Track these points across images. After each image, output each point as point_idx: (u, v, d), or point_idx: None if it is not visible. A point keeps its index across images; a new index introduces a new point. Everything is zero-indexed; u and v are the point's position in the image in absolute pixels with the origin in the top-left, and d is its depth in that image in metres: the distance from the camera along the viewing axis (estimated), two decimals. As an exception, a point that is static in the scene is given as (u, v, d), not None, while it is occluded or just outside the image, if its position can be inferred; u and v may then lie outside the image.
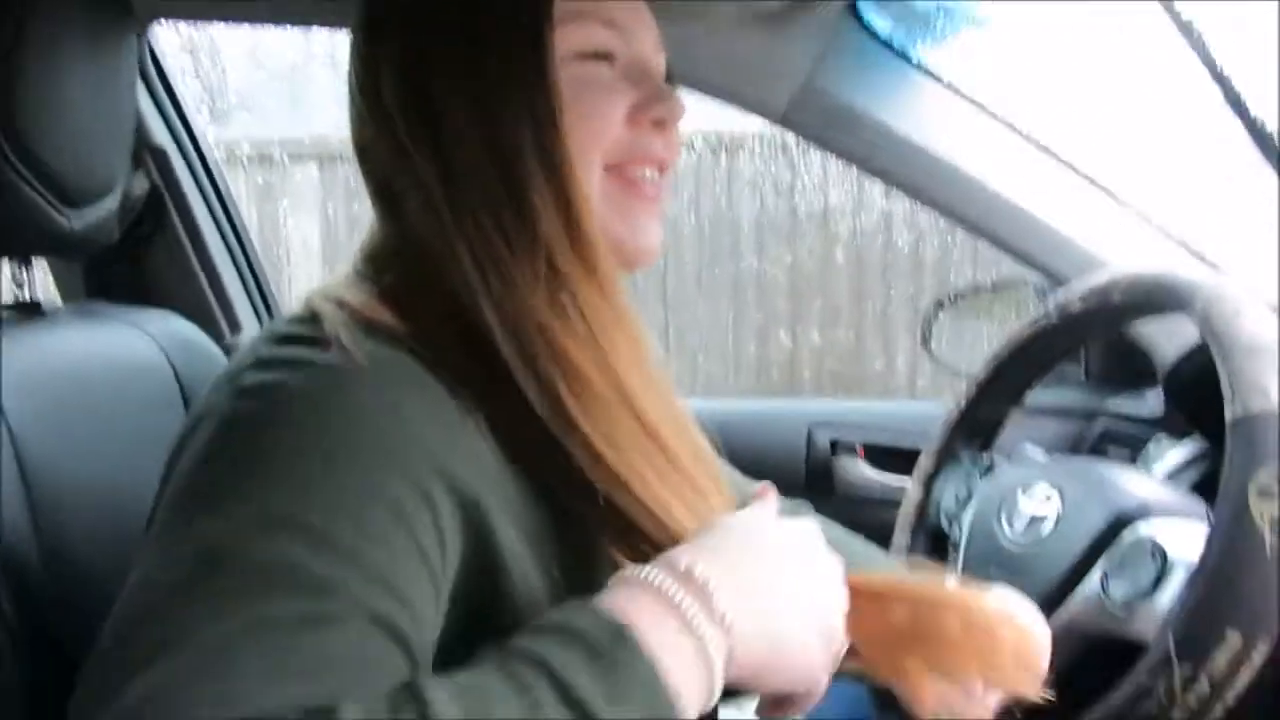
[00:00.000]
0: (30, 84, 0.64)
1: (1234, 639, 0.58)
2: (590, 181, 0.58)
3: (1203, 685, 0.58)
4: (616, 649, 0.43)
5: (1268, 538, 0.57)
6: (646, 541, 0.54)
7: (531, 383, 0.53)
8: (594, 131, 0.58)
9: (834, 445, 1.40)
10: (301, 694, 0.39)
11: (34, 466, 0.62)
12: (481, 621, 0.51)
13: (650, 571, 0.47)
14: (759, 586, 0.50)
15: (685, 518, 0.55)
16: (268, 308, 1.28)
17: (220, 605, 0.41)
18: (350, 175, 3.45)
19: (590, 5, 0.59)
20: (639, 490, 0.54)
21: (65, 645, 0.59)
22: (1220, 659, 0.58)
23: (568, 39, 0.57)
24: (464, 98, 0.55)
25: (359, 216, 3.50)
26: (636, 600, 0.46)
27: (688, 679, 0.45)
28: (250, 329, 1.23)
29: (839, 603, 0.54)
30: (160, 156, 1.13)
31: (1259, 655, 0.58)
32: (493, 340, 0.53)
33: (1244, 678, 0.58)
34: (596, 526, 0.56)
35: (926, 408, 1.49)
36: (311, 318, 0.53)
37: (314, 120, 3.33)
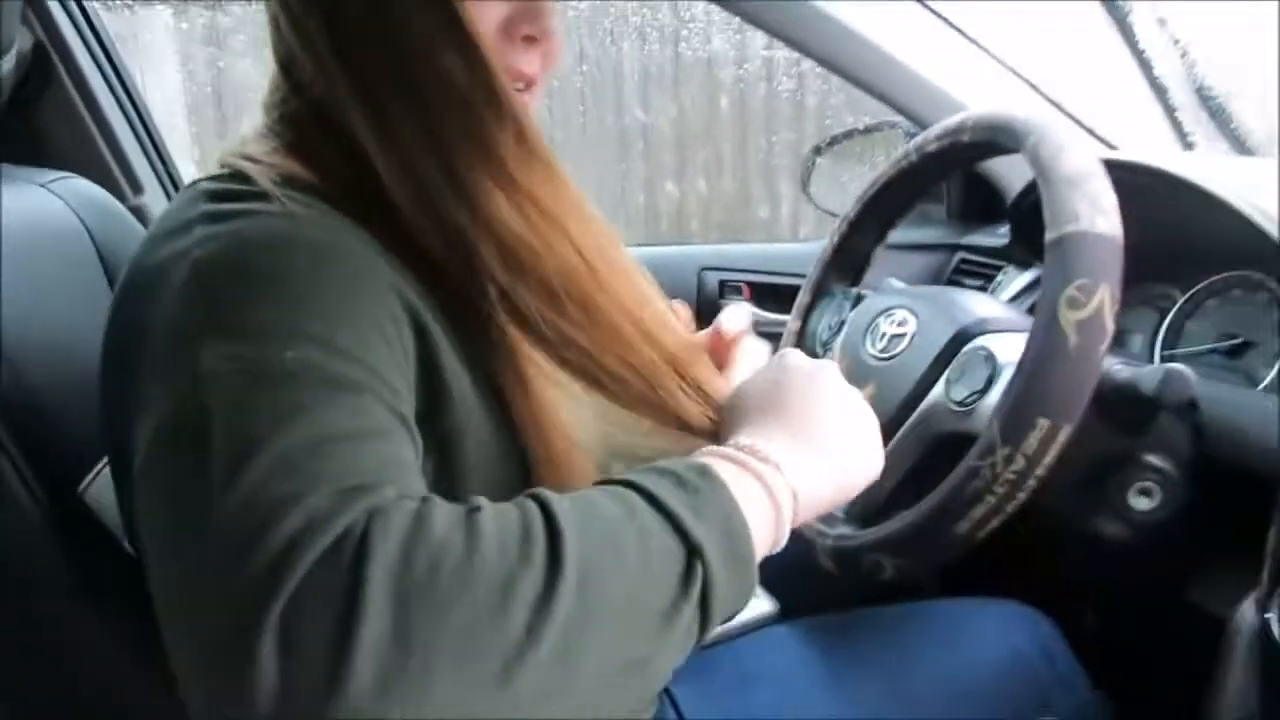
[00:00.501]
0: None
1: (1043, 424, 0.70)
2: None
3: (1019, 462, 0.70)
4: (701, 481, 0.49)
5: (1072, 339, 0.69)
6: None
7: (436, 241, 0.56)
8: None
9: (722, 286, 1.51)
10: (392, 475, 0.43)
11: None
12: (424, 438, 0.54)
13: (727, 449, 0.54)
14: (817, 446, 0.58)
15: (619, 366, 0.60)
16: (166, 166, 1.26)
17: (280, 409, 0.43)
18: (207, 18, 3.23)
19: None
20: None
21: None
22: (1033, 440, 0.70)
23: None
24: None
25: (229, 65, 3.30)
26: (718, 462, 0.53)
27: (760, 521, 0.52)
28: (151, 189, 1.22)
29: (874, 424, 0.63)
30: (40, 8, 1.07)
31: (1063, 435, 0.70)
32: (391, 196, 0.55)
33: (1051, 454, 0.70)
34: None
35: (808, 248, 1.60)
36: (237, 175, 0.55)
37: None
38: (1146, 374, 0.75)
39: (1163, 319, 1.00)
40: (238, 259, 0.50)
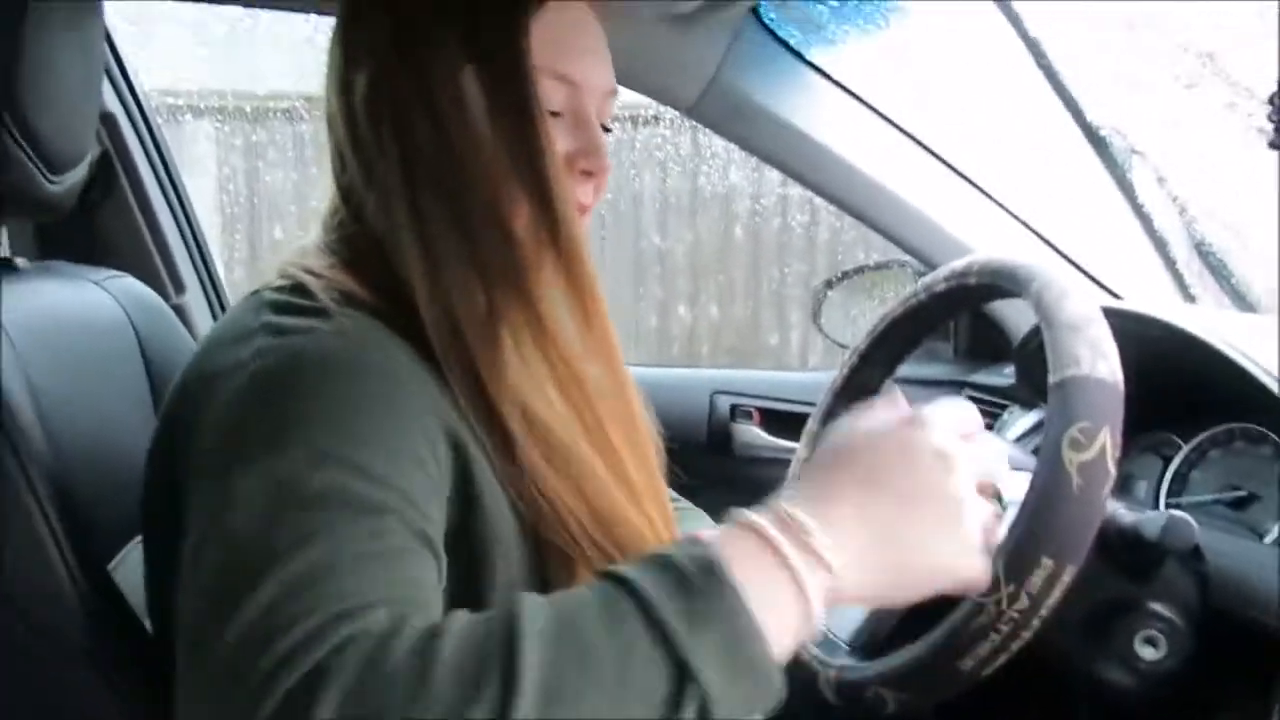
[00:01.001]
0: (25, 61, 0.68)
1: (1048, 564, 0.70)
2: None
3: (1023, 601, 0.70)
4: (705, 581, 0.45)
5: (1075, 479, 0.70)
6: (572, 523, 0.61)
7: (456, 369, 0.59)
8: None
9: (733, 410, 1.53)
10: (395, 594, 0.45)
11: (40, 401, 0.68)
12: (455, 549, 0.57)
13: (751, 514, 0.51)
14: (884, 528, 0.53)
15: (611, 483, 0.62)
16: (209, 270, 1.32)
17: (308, 529, 0.46)
18: (244, 132, 3.38)
19: (551, 63, 0.63)
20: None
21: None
22: (1037, 579, 0.70)
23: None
24: (433, 107, 0.60)
25: (261, 174, 3.43)
26: (735, 539, 0.49)
27: (780, 616, 0.48)
28: (193, 288, 1.27)
29: (976, 517, 0.57)
30: (110, 121, 1.16)
31: (1068, 576, 0.71)
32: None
33: (1056, 595, 0.71)
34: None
35: (817, 377, 1.63)
36: (298, 288, 0.59)
37: (209, 71, 3.20)
38: (1150, 519, 0.77)
39: (1167, 467, 1.01)
40: (291, 378, 0.53)
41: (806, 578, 0.49)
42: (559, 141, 0.64)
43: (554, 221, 0.61)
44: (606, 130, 0.68)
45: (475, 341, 0.59)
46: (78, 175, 0.78)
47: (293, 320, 0.57)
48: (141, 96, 1.24)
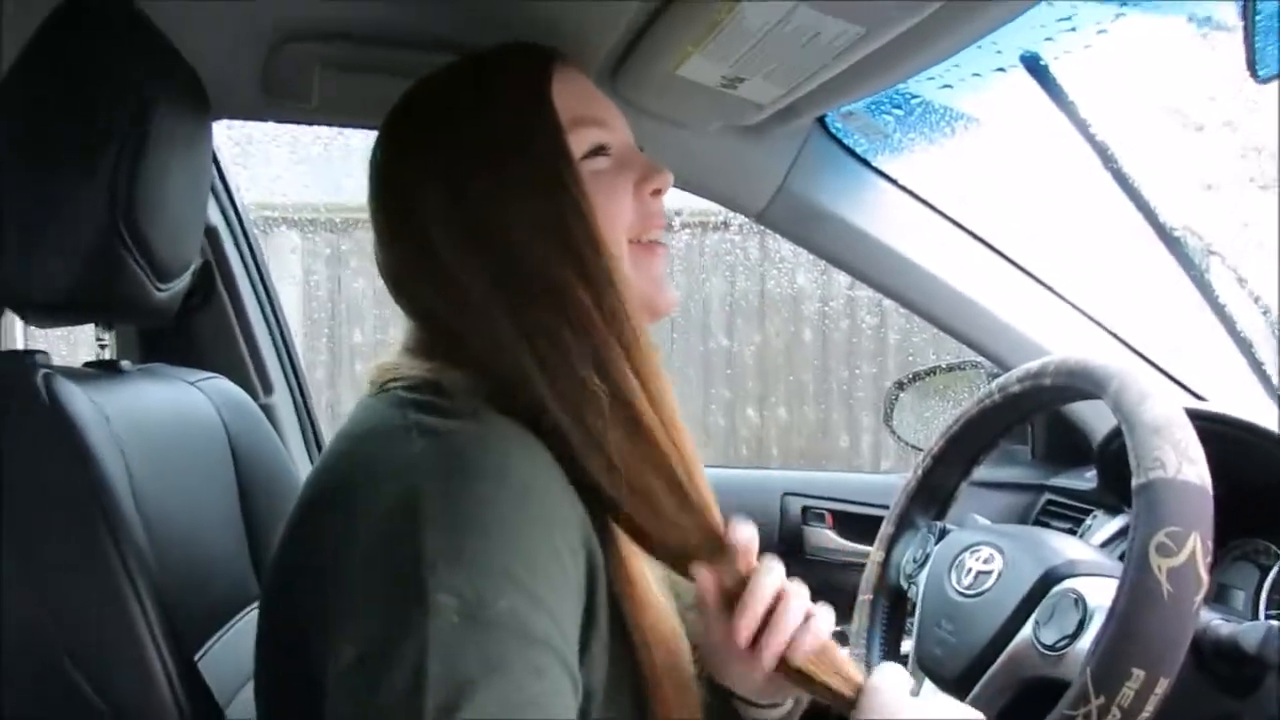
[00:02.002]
0: (144, 177, 0.74)
1: (1139, 675, 0.68)
2: (621, 258, 0.68)
3: (1114, 715, 0.68)
4: None
5: (1165, 587, 0.68)
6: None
7: (588, 444, 0.61)
8: (614, 215, 0.69)
9: (805, 512, 1.51)
10: None
11: (140, 498, 0.72)
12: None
13: None
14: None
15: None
16: (296, 372, 1.38)
17: (494, 658, 0.49)
18: (331, 242, 3.55)
19: (582, 110, 0.70)
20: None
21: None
22: (1128, 692, 0.67)
23: (575, 144, 0.68)
24: (504, 212, 0.65)
25: (344, 282, 3.58)
26: None
27: None
28: (280, 389, 1.33)
29: None
30: (212, 234, 1.24)
31: (1161, 689, 0.68)
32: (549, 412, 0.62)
33: (1149, 709, 0.68)
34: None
35: (889, 480, 1.61)
36: (430, 386, 0.62)
37: (301, 185, 3.40)
38: (1249, 631, 0.73)
39: (1265, 576, 0.97)
40: (461, 486, 0.55)
41: None
42: (621, 177, 0.70)
43: (607, 288, 0.64)
44: None
45: (594, 419, 0.62)
46: (182, 283, 0.84)
47: (441, 421, 0.59)
48: (242, 210, 1.33)
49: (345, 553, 0.55)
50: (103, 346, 0.85)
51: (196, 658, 0.75)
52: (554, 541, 0.56)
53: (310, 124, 1.18)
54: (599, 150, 0.70)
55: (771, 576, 0.70)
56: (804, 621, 0.70)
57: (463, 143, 0.68)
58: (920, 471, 1.08)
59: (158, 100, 0.75)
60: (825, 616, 0.71)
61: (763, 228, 1.31)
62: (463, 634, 0.49)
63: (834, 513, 1.52)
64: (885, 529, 1.08)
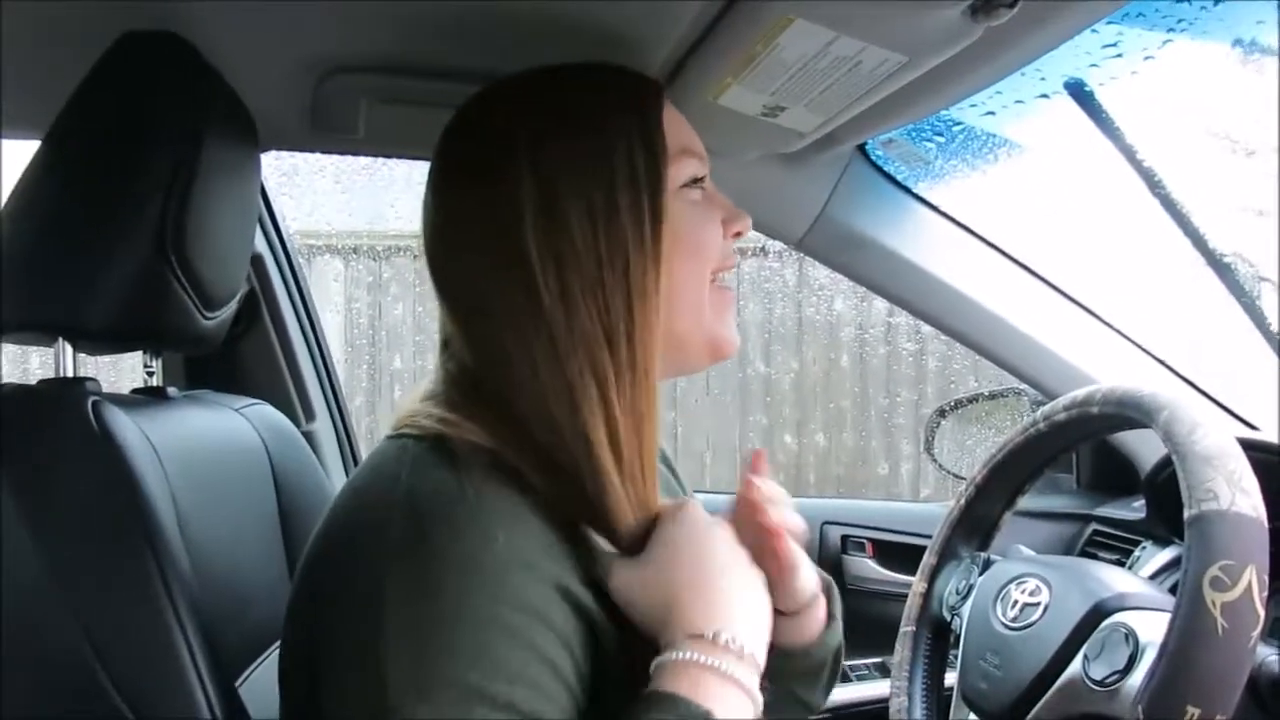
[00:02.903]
0: (193, 207, 0.76)
1: (1193, 713, 0.66)
2: (703, 293, 0.68)
3: (1170, 754, 0.66)
4: None
5: (1219, 622, 0.66)
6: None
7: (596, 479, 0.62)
8: (706, 247, 0.69)
9: (844, 541, 1.50)
10: None
11: (184, 524, 0.73)
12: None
13: (698, 656, 0.58)
14: (749, 611, 0.61)
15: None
16: (337, 399, 1.40)
17: None
18: (372, 269, 3.60)
19: (684, 138, 0.70)
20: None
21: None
22: (1183, 731, 0.66)
23: (678, 173, 0.68)
24: (596, 240, 0.63)
25: (385, 308, 3.63)
26: (699, 682, 0.57)
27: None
28: (322, 416, 1.35)
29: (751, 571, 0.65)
30: (258, 262, 1.27)
31: (1217, 727, 0.66)
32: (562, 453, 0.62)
33: (1206, 748, 0.66)
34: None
35: (930, 509, 1.59)
36: (437, 441, 0.62)
37: (344, 213, 3.44)
38: (1308, 668, 0.71)
39: (1323, 610, 0.94)
40: (433, 582, 0.55)
41: (753, 686, 0.59)
42: (714, 211, 0.70)
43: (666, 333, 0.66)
44: None
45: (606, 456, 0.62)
46: (228, 311, 0.85)
47: (431, 492, 0.59)
48: (287, 239, 1.36)
49: (328, 632, 0.58)
50: (150, 374, 0.86)
51: (237, 684, 0.75)
52: (540, 626, 0.56)
53: (355, 154, 1.20)
54: (696, 181, 0.69)
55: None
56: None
57: (554, 159, 0.64)
58: (963, 500, 1.06)
59: (208, 133, 0.77)
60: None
61: (801, 254, 1.30)
62: None
63: (875, 542, 1.50)
64: (928, 559, 1.07)
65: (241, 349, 1.29)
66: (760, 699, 0.59)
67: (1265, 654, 0.73)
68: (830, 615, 0.80)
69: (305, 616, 0.63)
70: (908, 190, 1.27)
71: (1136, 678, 0.75)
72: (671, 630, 0.60)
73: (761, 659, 0.61)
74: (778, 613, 0.74)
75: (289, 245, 1.35)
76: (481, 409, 0.64)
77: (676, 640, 0.59)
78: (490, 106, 0.70)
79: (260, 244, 1.30)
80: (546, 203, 0.63)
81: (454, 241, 0.67)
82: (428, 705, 0.52)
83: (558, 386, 0.62)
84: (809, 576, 0.77)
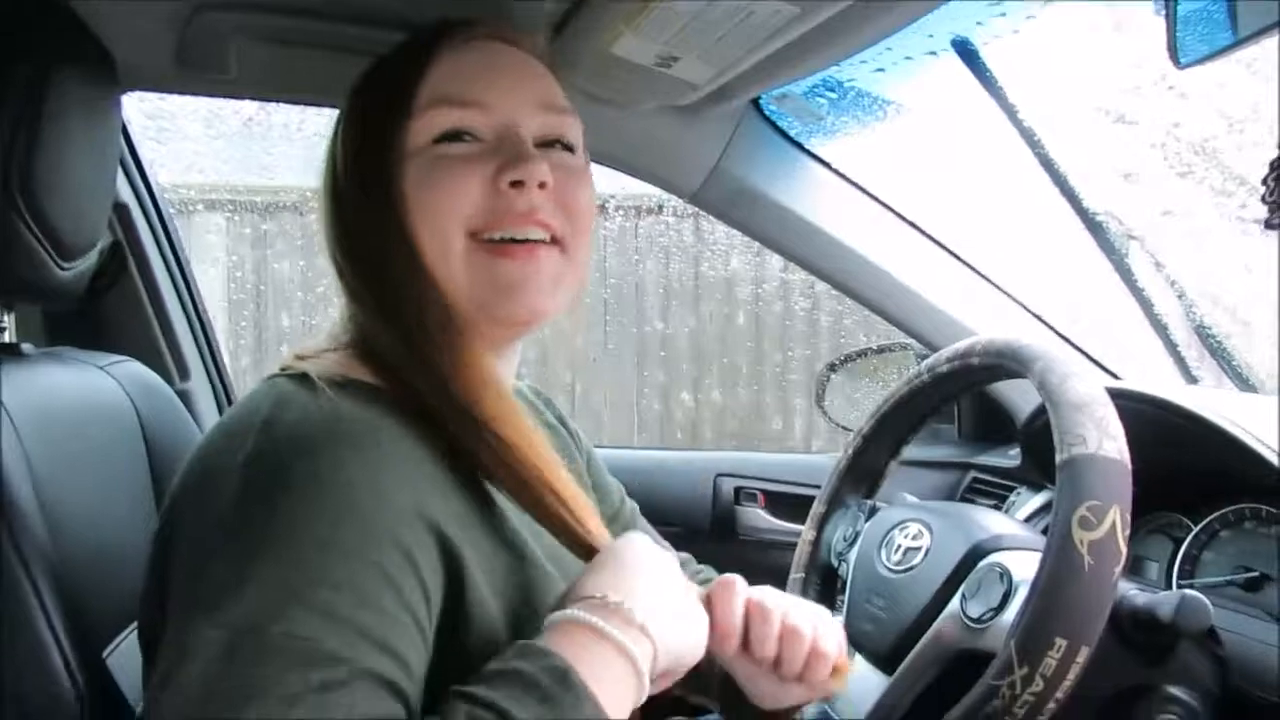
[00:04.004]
0: (42, 149, 0.70)
1: (1061, 644, 0.69)
2: (452, 252, 0.66)
3: (1037, 684, 0.69)
4: (560, 689, 0.52)
5: (1086, 560, 0.70)
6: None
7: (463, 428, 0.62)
8: (449, 204, 0.65)
9: (738, 493, 1.52)
10: None
11: (40, 488, 0.68)
12: (443, 638, 0.58)
13: (579, 611, 0.57)
14: (657, 598, 0.60)
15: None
16: (214, 355, 1.33)
17: (254, 687, 0.47)
18: (253, 223, 3.45)
19: (447, 89, 0.67)
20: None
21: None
22: (1051, 661, 0.69)
23: (427, 125, 0.66)
24: (353, 195, 0.67)
25: (269, 264, 3.49)
26: (574, 638, 0.56)
27: (621, 692, 0.55)
28: (198, 374, 1.28)
29: (695, 596, 0.65)
30: (123, 211, 1.19)
31: (1082, 657, 0.70)
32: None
33: (1071, 677, 0.69)
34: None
35: (820, 460, 1.63)
36: (302, 376, 0.60)
37: (222, 165, 3.28)
38: (1163, 600, 0.76)
39: (1177, 548, 1.00)
40: (273, 494, 0.53)
41: (637, 654, 0.56)
42: (476, 165, 0.66)
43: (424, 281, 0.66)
44: (569, 148, 0.71)
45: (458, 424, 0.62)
46: (88, 262, 0.80)
47: (291, 417, 0.57)
48: (155, 188, 1.27)
49: (174, 567, 0.56)
50: (1, 329, 0.80)
51: (105, 654, 0.71)
52: (373, 549, 0.54)
53: (227, 97, 1.13)
54: (455, 135, 0.66)
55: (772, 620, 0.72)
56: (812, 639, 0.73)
57: (349, 124, 0.69)
58: (851, 451, 1.09)
59: (57, 70, 0.71)
60: (830, 628, 0.75)
61: (697, 211, 1.31)
62: (227, 668, 0.48)
63: (766, 493, 1.53)
64: (816, 508, 1.09)
65: (107, 303, 1.21)
66: (646, 672, 0.57)
67: (1125, 588, 0.77)
68: None
69: (159, 556, 0.60)
70: (800, 146, 1.28)
71: (1010, 614, 0.78)
72: (570, 597, 0.59)
73: (666, 643, 0.59)
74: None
75: (157, 193, 1.27)
76: (360, 347, 0.65)
77: (567, 603, 0.58)
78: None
79: (125, 192, 1.22)
80: (331, 168, 0.69)
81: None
82: (242, 603, 0.50)
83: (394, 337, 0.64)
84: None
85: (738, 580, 0.72)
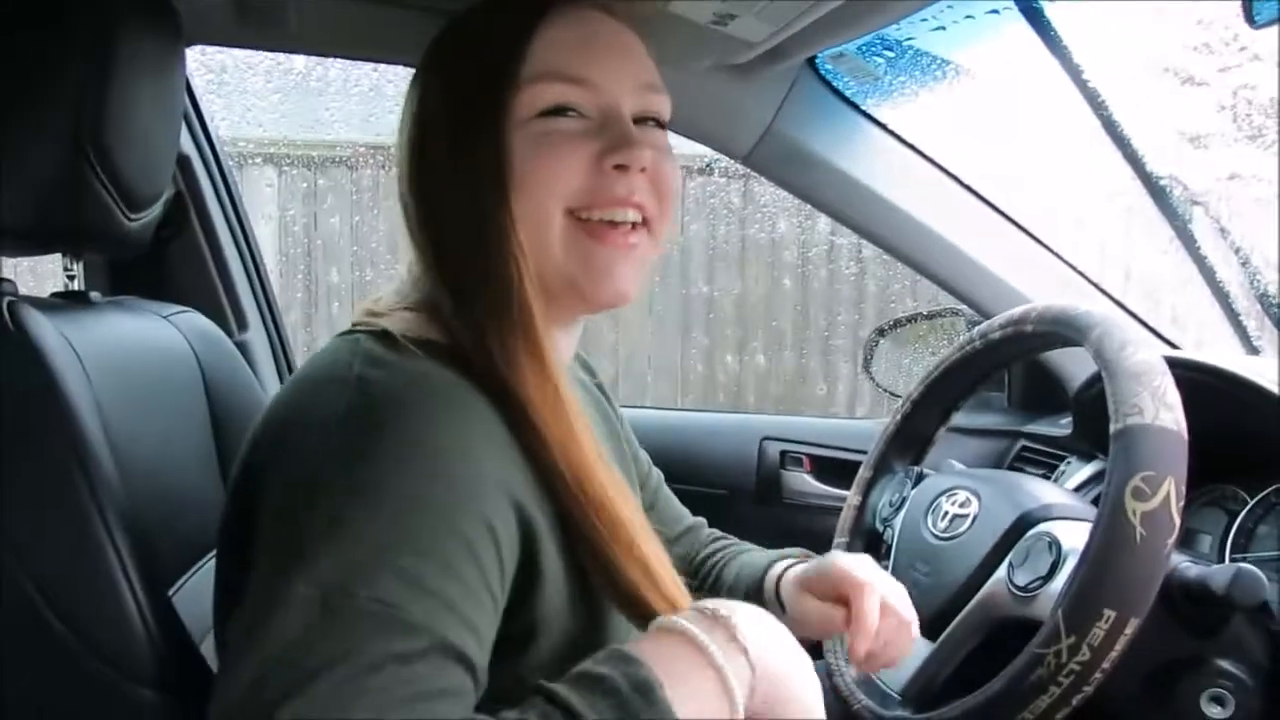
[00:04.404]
0: (111, 103, 0.71)
1: (1109, 615, 0.69)
2: (550, 228, 0.65)
3: (1084, 653, 0.69)
4: (640, 700, 0.50)
5: (1138, 530, 0.69)
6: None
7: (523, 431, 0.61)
8: (552, 180, 0.65)
9: (783, 456, 1.52)
10: None
11: (111, 430, 0.71)
12: (514, 615, 0.58)
13: (681, 620, 0.56)
14: (768, 628, 0.58)
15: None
16: (270, 308, 1.36)
17: (337, 650, 0.47)
18: (307, 178, 3.48)
19: (554, 63, 0.66)
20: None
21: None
22: (1099, 631, 0.69)
23: (533, 99, 0.65)
24: (445, 160, 0.65)
25: (321, 220, 3.53)
26: (671, 649, 0.55)
27: (708, 712, 0.53)
28: (255, 326, 1.31)
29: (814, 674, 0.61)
30: (185, 164, 1.21)
31: (1130, 629, 0.69)
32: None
33: (1118, 648, 0.69)
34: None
35: (865, 426, 1.62)
36: (385, 335, 0.61)
37: (278, 119, 3.31)
38: (1217, 573, 0.75)
39: (1232, 521, 0.99)
40: (364, 458, 0.54)
41: (732, 677, 0.54)
42: (581, 143, 0.66)
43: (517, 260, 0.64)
44: (660, 125, 0.71)
45: (526, 396, 0.61)
46: (153, 214, 0.81)
47: (382, 375, 0.58)
48: (216, 141, 1.30)
49: (261, 515, 0.56)
50: (70, 277, 0.83)
51: (170, 593, 0.74)
52: (461, 518, 0.54)
53: (287, 52, 1.14)
54: (561, 110, 0.66)
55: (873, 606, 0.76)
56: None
57: (444, 89, 0.67)
58: (899, 417, 1.08)
59: (125, 22, 0.72)
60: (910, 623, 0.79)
61: (746, 173, 1.29)
62: (316, 626, 0.48)
63: (812, 457, 1.53)
64: (863, 473, 1.09)
65: (169, 254, 1.24)
66: (740, 700, 0.54)
67: (1178, 561, 0.77)
68: None
69: (236, 522, 0.61)
70: (855, 107, 1.26)
71: (1058, 583, 0.78)
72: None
73: (768, 671, 0.56)
74: None
75: (218, 147, 1.29)
76: (437, 308, 0.65)
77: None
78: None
79: (187, 145, 1.24)
80: (420, 131, 0.67)
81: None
82: (333, 560, 0.50)
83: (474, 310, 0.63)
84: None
85: (874, 583, 0.77)
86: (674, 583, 0.65)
